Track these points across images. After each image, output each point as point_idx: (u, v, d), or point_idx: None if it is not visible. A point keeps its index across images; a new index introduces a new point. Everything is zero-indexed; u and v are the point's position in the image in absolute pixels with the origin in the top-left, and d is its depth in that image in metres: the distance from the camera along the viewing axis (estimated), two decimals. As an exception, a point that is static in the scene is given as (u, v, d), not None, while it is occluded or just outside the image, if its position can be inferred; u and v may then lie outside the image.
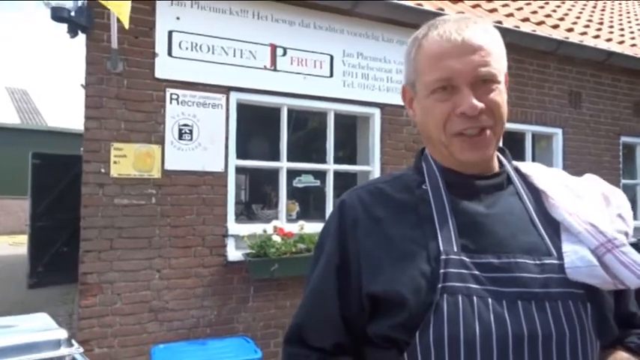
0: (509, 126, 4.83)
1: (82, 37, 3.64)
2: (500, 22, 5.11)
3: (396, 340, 0.81)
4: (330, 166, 4.45)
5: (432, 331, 0.77)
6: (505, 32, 5.06)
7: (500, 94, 0.86)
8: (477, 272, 0.79)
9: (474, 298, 0.77)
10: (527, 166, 0.98)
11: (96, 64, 3.52)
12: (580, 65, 5.79)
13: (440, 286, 0.78)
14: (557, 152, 5.68)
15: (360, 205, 0.92)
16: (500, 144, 0.94)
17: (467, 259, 0.80)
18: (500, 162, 0.96)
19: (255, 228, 3.95)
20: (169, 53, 3.73)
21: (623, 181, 6.16)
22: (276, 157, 4.32)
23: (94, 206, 3.50)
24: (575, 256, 0.80)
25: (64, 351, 2.22)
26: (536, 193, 0.92)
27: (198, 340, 3.53)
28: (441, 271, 0.79)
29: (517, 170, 0.97)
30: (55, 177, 7.50)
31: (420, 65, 0.89)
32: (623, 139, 6.20)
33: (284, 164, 4.28)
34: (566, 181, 0.95)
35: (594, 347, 0.80)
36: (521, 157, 5.25)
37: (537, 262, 0.81)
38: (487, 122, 0.85)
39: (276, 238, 3.81)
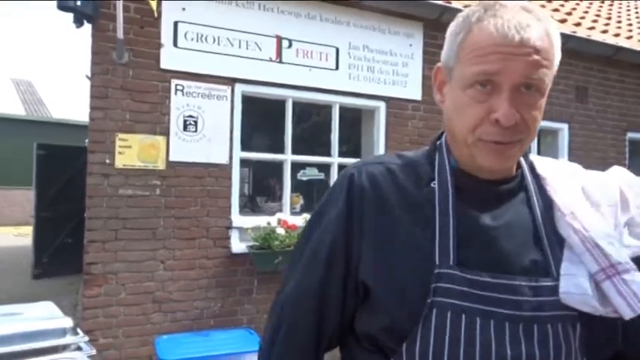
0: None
1: (87, 28, 3.63)
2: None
3: (382, 345, 0.79)
4: (335, 160, 4.45)
5: (419, 345, 0.75)
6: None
7: (540, 108, 0.79)
8: (469, 290, 0.76)
9: (463, 316, 0.75)
10: (543, 165, 0.91)
11: (101, 54, 3.52)
12: (587, 60, 5.74)
13: (429, 300, 0.76)
14: (563, 148, 5.64)
15: (370, 186, 0.85)
16: None
17: (462, 275, 0.77)
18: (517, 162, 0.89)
19: (259, 220, 3.95)
20: (175, 44, 3.72)
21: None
22: (280, 149, 4.32)
23: (98, 197, 3.50)
24: (571, 281, 0.77)
25: (69, 339, 2.23)
26: (548, 201, 0.85)
27: (202, 331, 3.55)
28: (432, 285, 0.76)
29: (532, 169, 0.90)
30: (60, 168, 7.51)
31: (465, 52, 0.79)
32: (630, 134, 6.16)
33: (288, 157, 4.27)
34: (584, 182, 0.88)
35: None
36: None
37: (533, 283, 0.77)
38: (519, 136, 0.78)
39: (280, 231, 3.81)
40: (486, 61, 0.75)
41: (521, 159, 0.89)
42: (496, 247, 0.79)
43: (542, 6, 6.01)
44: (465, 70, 0.79)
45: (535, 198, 0.85)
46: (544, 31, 0.77)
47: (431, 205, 0.82)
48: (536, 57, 0.74)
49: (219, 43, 3.86)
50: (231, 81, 3.93)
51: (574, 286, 0.76)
